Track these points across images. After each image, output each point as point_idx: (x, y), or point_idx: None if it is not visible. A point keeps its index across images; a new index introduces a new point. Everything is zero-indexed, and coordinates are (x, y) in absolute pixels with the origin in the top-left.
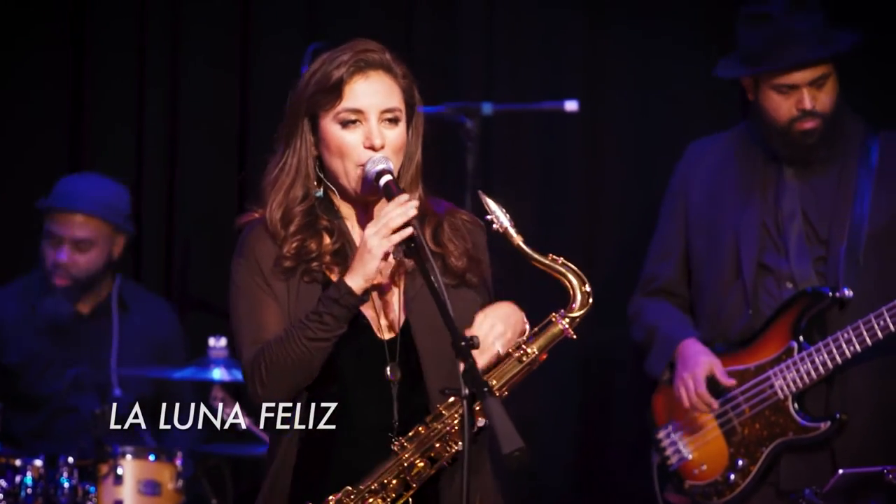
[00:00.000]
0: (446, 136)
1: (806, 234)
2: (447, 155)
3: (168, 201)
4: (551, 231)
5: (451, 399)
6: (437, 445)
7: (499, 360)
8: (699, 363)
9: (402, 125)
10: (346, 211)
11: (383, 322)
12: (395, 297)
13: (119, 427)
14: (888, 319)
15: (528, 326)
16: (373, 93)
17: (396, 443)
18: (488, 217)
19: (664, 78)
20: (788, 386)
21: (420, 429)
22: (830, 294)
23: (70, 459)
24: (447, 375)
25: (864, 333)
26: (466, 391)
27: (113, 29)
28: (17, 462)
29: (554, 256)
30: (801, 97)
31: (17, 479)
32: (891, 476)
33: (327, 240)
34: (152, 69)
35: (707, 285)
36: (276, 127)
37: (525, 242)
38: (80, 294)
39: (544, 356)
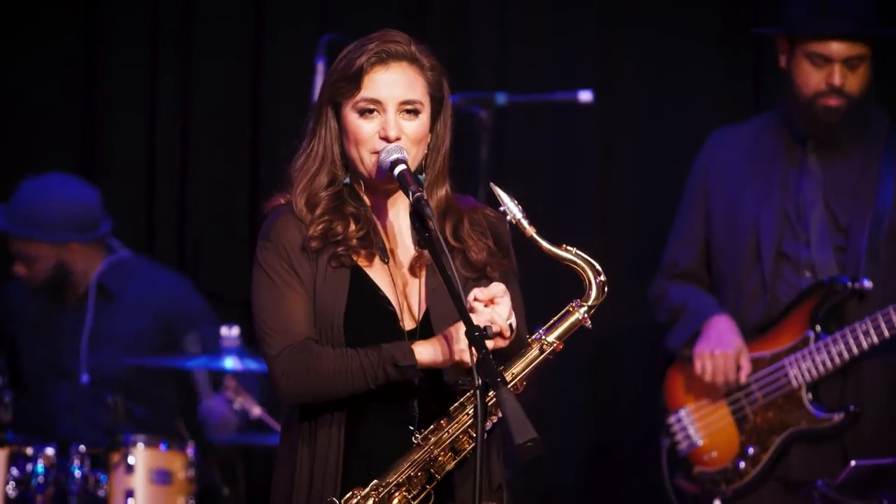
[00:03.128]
0: (460, 126)
1: (827, 223)
2: (460, 145)
3: (180, 192)
4: (564, 221)
5: (469, 392)
6: (463, 438)
7: (519, 350)
8: (734, 344)
9: (423, 117)
10: (370, 199)
11: (405, 313)
12: (417, 289)
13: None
14: None
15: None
16: (392, 84)
17: (418, 435)
18: (501, 209)
19: (678, 68)
20: (803, 375)
21: (442, 421)
22: (850, 285)
23: (82, 448)
24: (465, 368)
25: (882, 326)
26: (479, 381)
27: (125, 25)
28: (29, 450)
29: (567, 246)
30: (831, 72)
31: (29, 467)
32: None
33: (353, 225)
34: (165, 63)
35: (726, 273)
36: (289, 120)
37: (538, 233)
38: (53, 293)
39: (561, 346)
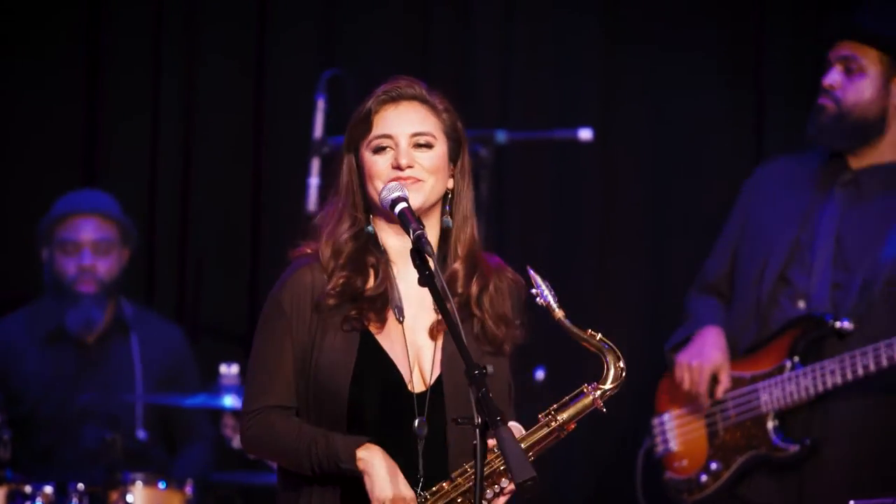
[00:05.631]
0: None
1: (834, 258)
2: None
3: (181, 228)
4: (564, 259)
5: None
6: (460, 500)
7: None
8: (712, 359)
9: (438, 151)
10: (393, 244)
11: (416, 376)
12: (431, 353)
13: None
14: (871, 359)
15: None
16: (402, 118)
17: (420, 496)
18: (532, 291)
19: (678, 106)
20: (772, 402)
21: (444, 484)
22: (831, 322)
23: (80, 486)
24: (472, 435)
25: (848, 368)
26: (479, 420)
27: (127, 57)
28: (28, 489)
29: (592, 332)
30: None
31: None
32: None
33: (372, 280)
34: (167, 90)
35: (737, 289)
36: (291, 153)
37: (566, 317)
38: (105, 303)
39: (573, 425)
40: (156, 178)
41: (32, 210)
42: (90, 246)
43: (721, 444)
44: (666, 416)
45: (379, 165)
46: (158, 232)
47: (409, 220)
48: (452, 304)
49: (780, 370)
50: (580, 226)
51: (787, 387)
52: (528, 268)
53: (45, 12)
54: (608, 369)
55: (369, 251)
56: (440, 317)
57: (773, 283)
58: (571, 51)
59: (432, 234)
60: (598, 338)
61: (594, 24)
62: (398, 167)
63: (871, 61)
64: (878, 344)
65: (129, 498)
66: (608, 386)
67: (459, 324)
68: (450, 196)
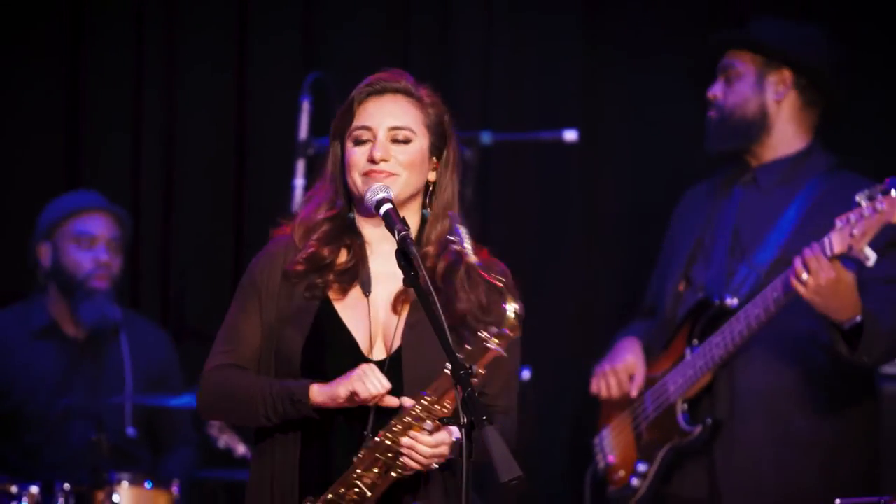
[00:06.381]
0: None
1: (731, 249)
2: None
3: (164, 229)
4: (550, 259)
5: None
6: (390, 455)
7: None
8: (624, 361)
9: (416, 146)
10: (370, 231)
11: (379, 344)
12: (395, 323)
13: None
14: (743, 322)
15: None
16: (381, 111)
17: (357, 458)
18: (449, 237)
19: (662, 107)
20: (678, 389)
21: (376, 438)
22: (717, 302)
23: (66, 486)
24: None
25: (728, 337)
26: (465, 420)
27: (109, 63)
28: (13, 489)
29: (500, 279)
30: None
31: None
32: None
33: (344, 256)
34: (150, 91)
35: (658, 304)
36: (274, 161)
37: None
38: (113, 301)
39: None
40: (139, 181)
41: (14, 218)
42: (106, 242)
43: (645, 445)
44: (604, 433)
45: (356, 156)
46: (143, 233)
47: (394, 222)
48: (438, 305)
49: (682, 358)
50: (565, 226)
51: (687, 371)
52: (449, 213)
53: (25, 27)
54: (506, 314)
55: (345, 232)
56: (404, 289)
57: (677, 284)
58: (554, 53)
59: (412, 222)
60: (501, 283)
61: (575, 25)
62: (372, 160)
63: (746, 63)
64: (746, 307)
65: (115, 498)
66: (505, 331)
67: (445, 324)
68: (431, 188)
